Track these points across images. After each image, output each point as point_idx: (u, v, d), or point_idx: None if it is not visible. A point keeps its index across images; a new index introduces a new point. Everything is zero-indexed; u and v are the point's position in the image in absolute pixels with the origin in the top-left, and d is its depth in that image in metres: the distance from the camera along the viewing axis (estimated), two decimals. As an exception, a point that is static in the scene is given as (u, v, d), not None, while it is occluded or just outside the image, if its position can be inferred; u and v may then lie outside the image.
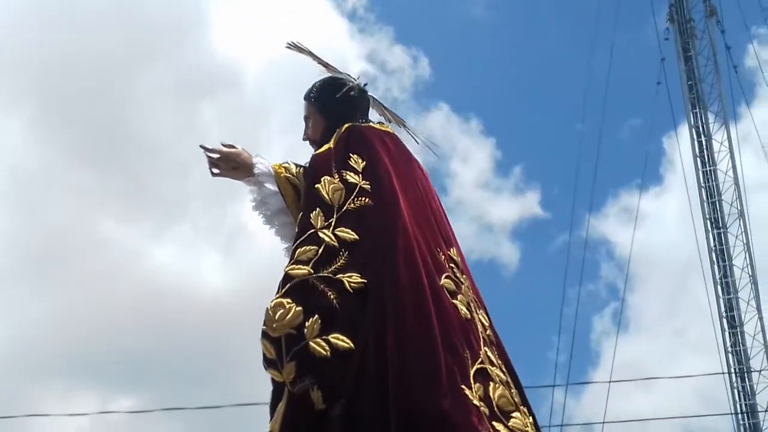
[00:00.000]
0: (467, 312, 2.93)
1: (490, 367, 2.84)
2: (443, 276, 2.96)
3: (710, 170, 14.82)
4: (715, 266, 14.21)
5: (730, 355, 13.53)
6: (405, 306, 2.77)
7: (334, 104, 3.34)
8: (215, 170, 3.17)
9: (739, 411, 13.12)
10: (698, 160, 15.00)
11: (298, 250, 2.84)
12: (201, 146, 3.17)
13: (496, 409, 2.73)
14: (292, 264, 2.82)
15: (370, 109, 3.47)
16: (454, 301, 2.92)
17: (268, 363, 2.72)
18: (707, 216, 14.49)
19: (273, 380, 2.74)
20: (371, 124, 3.34)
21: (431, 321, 2.77)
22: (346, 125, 3.25)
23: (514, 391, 2.92)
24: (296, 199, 3.09)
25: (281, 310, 2.72)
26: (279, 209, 3.13)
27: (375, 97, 3.51)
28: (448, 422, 2.56)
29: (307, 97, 3.41)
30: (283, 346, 2.69)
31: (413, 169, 3.28)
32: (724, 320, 13.80)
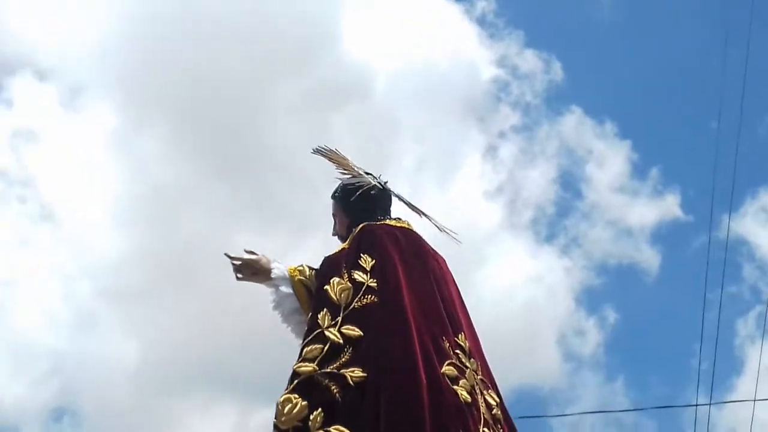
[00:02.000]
0: (467, 396, 3.19)
1: None
2: (446, 363, 3.23)
3: None
4: None
5: None
6: (397, 398, 3.05)
7: (356, 203, 3.71)
8: (239, 275, 3.57)
9: None
10: None
11: (306, 349, 3.18)
12: (226, 254, 3.58)
13: None
14: (300, 362, 3.15)
15: (392, 202, 3.81)
16: (455, 387, 3.18)
17: None
18: None
19: None
20: (387, 221, 3.67)
21: (422, 412, 3.03)
22: (361, 225, 3.59)
23: None
24: (309, 299, 3.44)
25: (289, 405, 3.05)
26: (293, 309, 3.49)
27: (396, 193, 3.84)
28: None
29: (333, 196, 3.81)
30: None
31: (426, 261, 3.58)
32: None
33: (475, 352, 3.44)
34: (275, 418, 3.07)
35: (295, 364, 3.16)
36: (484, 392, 3.32)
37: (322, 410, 3.02)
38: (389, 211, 3.79)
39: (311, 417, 3.02)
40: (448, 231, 3.86)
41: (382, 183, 3.80)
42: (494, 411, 3.30)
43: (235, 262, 3.57)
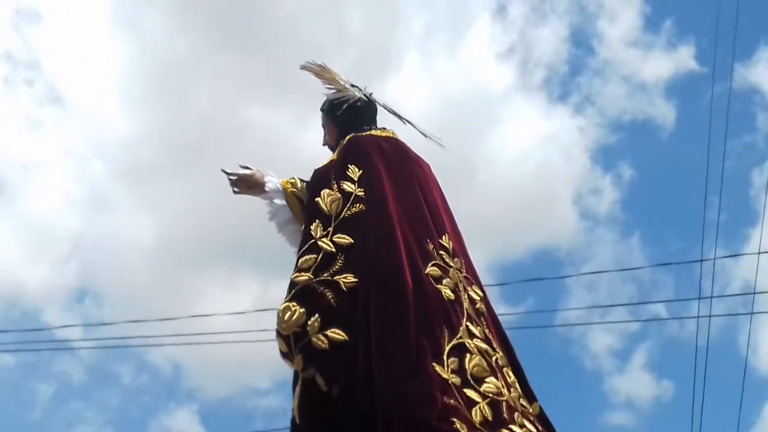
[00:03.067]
0: (451, 294, 3.47)
1: (468, 340, 3.38)
2: (429, 264, 3.51)
3: None
4: None
5: None
6: (384, 298, 3.34)
7: (342, 115, 3.94)
8: (235, 189, 3.84)
9: None
10: None
11: (301, 259, 3.46)
12: (222, 170, 3.84)
13: (469, 377, 3.27)
14: (296, 272, 3.43)
15: (378, 113, 4.04)
16: (438, 286, 3.46)
17: (283, 356, 3.36)
18: None
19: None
20: (373, 131, 3.90)
21: (407, 310, 3.33)
22: (348, 137, 3.84)
23: (498, 355, 3.47)
24: (301, 209, 3.71)
25: (288, 313, 3.34)
26: (287, 220, 3.77)
27: (381, 103, 4.06)
28: (409, 400, 3.12)
29: (321, 109, 4.04)
30: (291, 342, 3.32)
31: (410, 168, 3.82)
32: None
33: (459, 251, 3.72)
34: (277, 325, 3.37)
35: (292, 274, 3.44)
36: (468, 288, 3.60)
37: (319, 316, 3.32)
38: (375, 121, 4.02)
39: (309, 322, 3.31)
40: (432, 137, 4.09)
41: (368, 95, 4.01)
42: (477, 305, 3.59)
43: (231, 177, 3.84)
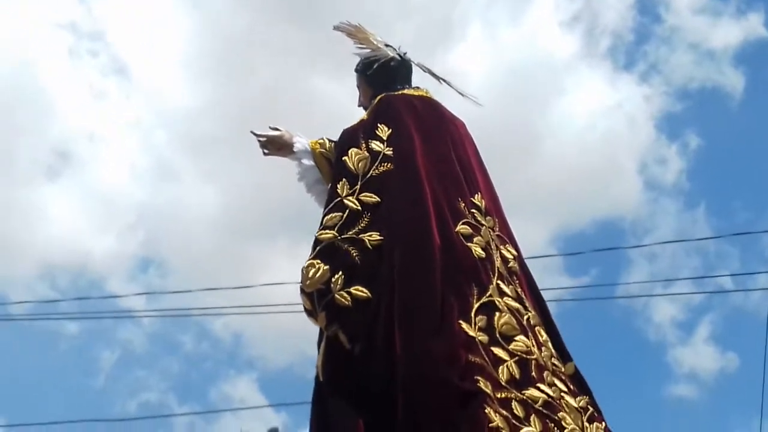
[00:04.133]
0: (482, 252, 3.38)
1: (498, 298, 3.29)
2: (460, 222, 3.42)
3: None
4: None
5: None
6: (410, 256, 3.27)
7: (375, 75, 3.88)
8: (265, 150, 3.81)
9: None
10: None
11: (326, 217, 3.40)
12: (251, 132, 3.82)
13: (498, 335, 3.18)
14: (321, 229, 3.38)
15: (413, 72, 3.96)
16: (469, 244, 3.37)
17: (308, 313, 3.32)
18: None
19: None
20: (405, 91, 3.82)
21: (433, 267, 3.25)
22: (379, 96, 3.77)
23: (530, 314, 3.37)
24: (330, 170, 3.65)
25: (312, 270, 3.29)
26: (316, 180, 3.72)
27: (416, 62, 3.98)
28: (431, 358, 3.04)
29: (355, 70, 3.98)
30: (315, 299, 3.27)
31: (444, 126, 3.74)
32: None
33: (493, 209, 3.62)
34: (300, 282, 3.33)
35: (317, 232, 3.40)
36: (501, 247, 3.50)
37: (343, 273, 3.26)
38: (410, 80, 3.94)
39: (333, 280, 3.26)
40: (469, 96, 4.00)
41: (402, 54, 3.94)
42: (510, 264, 3.49)
43: (260, 138, 3.81)
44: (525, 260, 3.64)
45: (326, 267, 3.29)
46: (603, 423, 3.26)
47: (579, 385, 3.38)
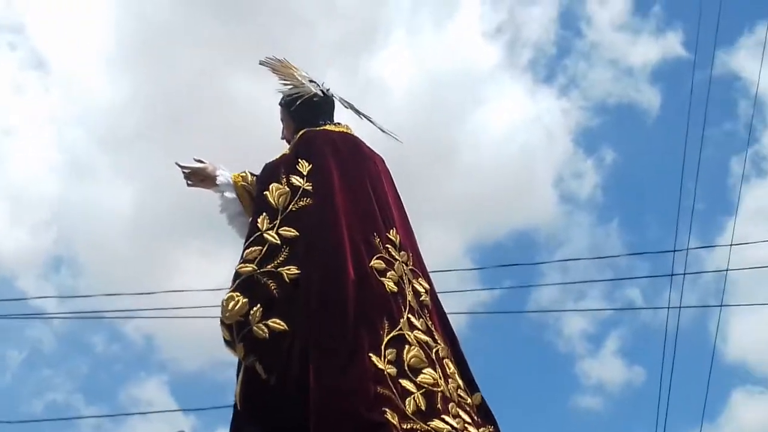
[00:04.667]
0: (394, 287, 3.55)
1: (409, 332, 3.46)
2: (375, 257, 3.59)
3: None
4: None
5: None
6: (325, 290, 3.43)
7: (299, 110, 4.02)
8: (189, 181, 3.95)
9: None
10: None
11: (246, 251, 3.54)
12: (176, 163, 3.95)
13: (406, 368, 3.35)
14: (241, 263, 3.52)
15: (336, 108, 4.11)
16: (382, 279, 3.54)
17: (227, 344, 3.46)
18: None
19: None
20: (326, 127, 3.97)
21: (346, 302, 3.40)
22: (301, 132, 3.92)
23: (439, 347, 3.55)
24: (251, 203, 3.79)
25: (232, 302, 3.43)
26: (238, 213, 3.87)
27: (340, 97, 4.13)
28: (341, 390, 3.21)
29: (279, 104, 4.12)
30: (234, 331, 3.42)
31: (363, 163, 3.90)
32: None
33: (408, 244, 3.79)
34: (221, 314, 3.46)
35: (237, 265, 3.54)
36: (413, 281, 3.68)
37: (261, 306, 3.41)
38: (332, 116, 4.08)
39: (251, 312, 3.40)
40: (389, 132, 4.16)
41: (325, 90, 4.08)
42: (422, 298, 3.67)
43: (184, 170, 3.94)
44: (437, 294, 3.81)
45: (245, 300, 3.43)
46: None
47: (484, 415, 3.57)
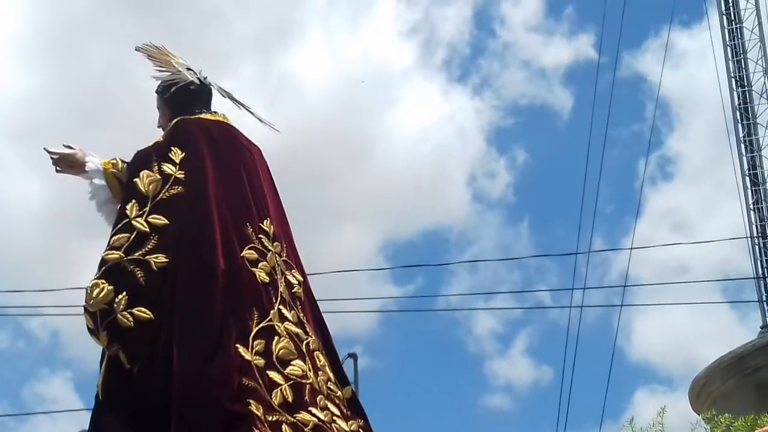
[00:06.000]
0: (266, 277, 3.50)
1: (279, 323, 3.41)
2: (246, 247, 3.53)
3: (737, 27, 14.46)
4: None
5: (752, 213, 13.58)
6: (192, 279, 3.37)
7: (174, 98, 3.94)
8: (57, 168, 3.83)
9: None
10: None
11: (113, 238, 3.45)
12: (44, 149, 3.82)
13: (275, 359, 3.31)
14: (107, 250, 3.43)
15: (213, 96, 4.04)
16: (254, 269, 3.49)
17: (90, 332, 3.36)
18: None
19: None
20: (201, 115, 3.89)
21: (214, 291, 3.35)
22: (176, 120, 3.83)
23: (310, 339, 3.51)
24: (122, 190, 3.70)
25: (96, 290, 3.34)
26: (106, 200, 3.76)
27: (218, 86, 4.06)
28: (204, 380, 3.15)
29: (156, 91, 4.02)
30: (98, 318, 3.32)
31: (238, 152, 3.83)
32: (747, 178, 13.80)
33: (282, 235, 3.74)
34: (84, 301, 3.36)
35: (104, 252, 3.44)
36: (286, 272, 3.63)
37: (127, 294, 3.32)
38: (209, 105, 4.00)
39: (116, 300, 3.31)
40: (267, 123, 4.10)
41: (202, 78, 4.01)
42: (294, 289, 3.62)
43: (53, 156, 3.82)
44: (310, 286, 3.78)
45: (110, 287, 3.34)
46: None
47: (354, 409, 3.54)
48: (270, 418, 3.16)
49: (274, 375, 3.28)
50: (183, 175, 3.61)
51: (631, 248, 11.08)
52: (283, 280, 3.59)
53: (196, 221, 3.52)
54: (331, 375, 3.54)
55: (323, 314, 3.79)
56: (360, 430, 3.45)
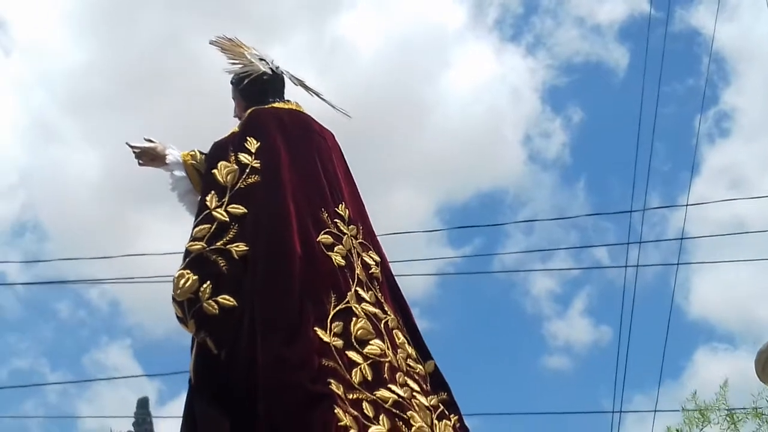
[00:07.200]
0: (342, 260, 3.62)
1: (356, 304, 3.53)
2: (322, 232, 3.65)
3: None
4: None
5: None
6: (271, 265, 3.49)
7: (248, 88, 4.08)
8: (139, 161, 4.00)
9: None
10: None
11: (195, 229, 3.60)
12: (126, 143, 4.00)
13: (353, 340, 3.43)
14: (191, 241, 3.58)
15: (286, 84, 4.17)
16: (330, 253, 3.61)
17: (179, 320, 3.52)
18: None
19: None
20: (275, 104, 4.03)
21: (292, 276, 3.47)
22: (250, 110, 3.97)
23: (389, 318, 3.62)
24: (201, 181, 3.85)
25: (182, 280, 3.49)
26: (187, 190, 3.92)
27: (289, 74, 4.19)
28: (285, 364, 3.28)
29: (231, 82, 4.18)
30: (185, 307, 3.48)
31: (311, 139, 3.96)
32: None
33: (358, 218, 3.85)
34: (172, 291, 3.53)
35: (187, 243, 3.60)
36: (363, 254, 3.75)
37: (211, 282, 3.47)
38: (281, 94, 4.14)
39: (201, 289, 3.46)
40: (339, 109, 4.22)
41: (274, 68, 4.14)
42: (372, 270, 3.74)
43: (135, 150, 4.00)
44: (389, 266, 3.88)
45: (195, 277, 3.49)
46: (454, 419, 3.54)
47: (437, 383, 3.64)
48: (350, 396, 3.27)
49: (353, 355, 3.39)
50: (259, 164, 3.74)
51: (686, 204, 10.84)
52: (359, 262, 3.70)
53: (273, 209, 3.65)
54: (411, 351, 3.64)
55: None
56: (440, 404, 3.55)
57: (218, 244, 3.56)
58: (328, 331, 3.40)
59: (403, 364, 3.54)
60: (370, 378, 3.36)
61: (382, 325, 3.56)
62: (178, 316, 3.53)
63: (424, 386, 3.55)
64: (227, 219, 3.60)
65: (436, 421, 3.45)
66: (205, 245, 3.55)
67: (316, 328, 3.39)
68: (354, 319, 3.49)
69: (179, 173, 3.93)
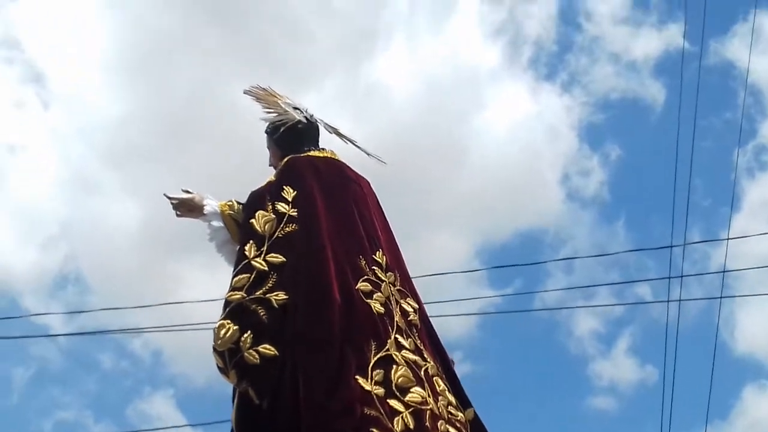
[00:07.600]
0: (381, 308, 3.63)
1: (396, 352, 3.54)
2: (361, 280, 3.67)
3: None
4: None
5: None
6: (311, 314, 3.51)
7: (283, 137, 4.12)
8: (177, 212, 4.04)
9: None
10: None
11: (234, 279, 3.62)
12: (164, 194, 4.04)
13: (394, 388, 3.43)
14: (230, 291, 3.60)
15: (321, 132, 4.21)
16: (369, 301, 3.62)
17: (220, 371, 3.54)
18: None
19: None
20: (310, 153, 4.07)
21: (332, 325, 3.49)
22: (286, 159, 4.01)
23: (428, 365, 3.62)
24: (239, 231, 3.88)
25: (223, 330, 3.51)
26: (225, 240, 3.95)
27: (325, 123, 4.23)
28: (329, 412, 3.29)
29: (265, 131, 4.22)
30: (227, 358, 3.50)
31: (347, 186, 3.99)
32: None
33: (395, 265, 3.87)
34: (213, 342, 3.54)
35: (227, 294, 3.62)
36: (401, 301, 3.76)
37: (251, 332, 3.48)
38: (317, 142, 4.18)
39: (242, 339, 3.48)
40: (374, 155, 4.25)
41: (309, 116, 4.18)
42: (410, 317, 3.74)
43: (172, 201, 4.04)
44: (426, 312, 3.89)
45: (236, 327, 3.51)
46: None
47: (477, 429, 3.63)
48: None
49: (394, 403, 3.39)
50: (296, 213, 3.77)
51: (728, 238, 10.80)
52: (398, 309, 3.71)
53: (311, 257, 3.67)
54: (451, 399, 3.64)
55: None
56: None
57: (258, 293, 3.57)
58: (369, 380, 3.40)
59: (444, 411, 3.53)
60: (412, 426, 3.36)
61: (422, 373, 3.56)
62: (219, 367, 3.54)
63: (466, 432, 3.54)
64: (266, 268, 3.62)
65: None
66: (244, 295, 3.57)
67: (357, 377, 3.39)
68: (395, 366, 3.49)
69: (217, 223, 3.96)
